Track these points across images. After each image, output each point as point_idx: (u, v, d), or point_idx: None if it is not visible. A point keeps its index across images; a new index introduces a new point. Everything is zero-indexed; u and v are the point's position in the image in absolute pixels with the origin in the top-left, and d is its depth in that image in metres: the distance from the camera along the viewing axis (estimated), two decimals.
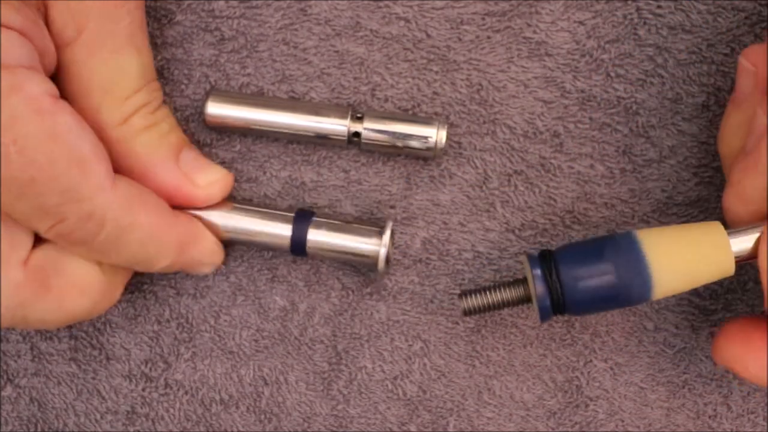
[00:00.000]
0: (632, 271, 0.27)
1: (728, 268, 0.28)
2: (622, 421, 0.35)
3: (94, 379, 0.36)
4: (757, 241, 0.27)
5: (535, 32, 0.34)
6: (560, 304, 0.28)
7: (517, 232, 0.34)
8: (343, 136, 0.33)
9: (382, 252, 0.32)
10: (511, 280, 0.31)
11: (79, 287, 0.29)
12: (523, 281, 0.30)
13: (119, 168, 0.30)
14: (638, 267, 0.27)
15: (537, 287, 0.28)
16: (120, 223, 0.28)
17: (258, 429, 0.36)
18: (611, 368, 0.35)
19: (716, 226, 0.28)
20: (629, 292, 0.27)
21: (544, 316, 0.28)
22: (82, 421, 0.36)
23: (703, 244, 0.27)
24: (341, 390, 0.35)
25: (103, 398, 0.36)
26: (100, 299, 0.30)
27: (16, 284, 0.28)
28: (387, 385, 0.35)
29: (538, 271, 0.28)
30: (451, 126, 0.34)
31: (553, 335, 0.35)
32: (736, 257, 0.28)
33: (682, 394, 0.35)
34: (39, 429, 0.36)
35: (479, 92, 0.34)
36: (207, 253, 0.32)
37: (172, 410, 0.36)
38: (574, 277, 0.27)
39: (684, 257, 0.27)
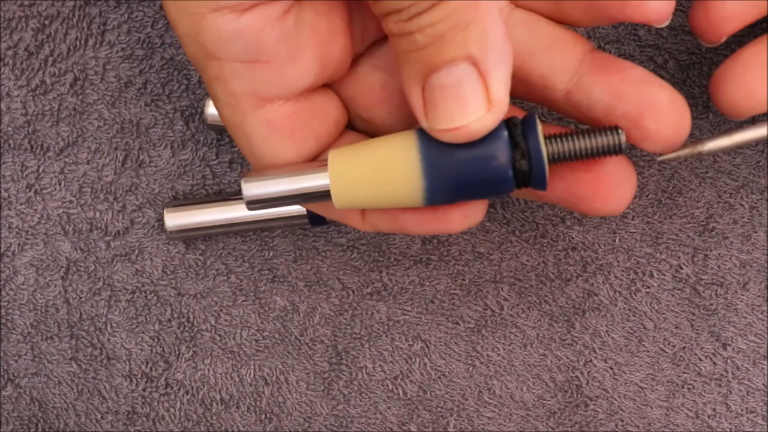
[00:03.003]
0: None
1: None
2: (622, 421, 0.35)
3: (94, 379, 0.36)
4: None
5: None
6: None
7: (517, 232, 0.34)
8: None
9: None
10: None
11: None
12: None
13: None
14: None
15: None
16: None
17: (258, 429, 0.36)
18: (611, 368, 0.35)
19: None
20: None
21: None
22: (82, 421, 0.36)
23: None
24: (341, 390, 0.35)
25: (104, 398, 0.36)
26: None
27: None
28: (387, 385, 0.35)
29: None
30: None
31: (553, 335, 0.35)
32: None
33: (682, 394, 0.35)
34: (39, 429, 0.36)
35: None
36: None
37: (172, 410, 0.36)
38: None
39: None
